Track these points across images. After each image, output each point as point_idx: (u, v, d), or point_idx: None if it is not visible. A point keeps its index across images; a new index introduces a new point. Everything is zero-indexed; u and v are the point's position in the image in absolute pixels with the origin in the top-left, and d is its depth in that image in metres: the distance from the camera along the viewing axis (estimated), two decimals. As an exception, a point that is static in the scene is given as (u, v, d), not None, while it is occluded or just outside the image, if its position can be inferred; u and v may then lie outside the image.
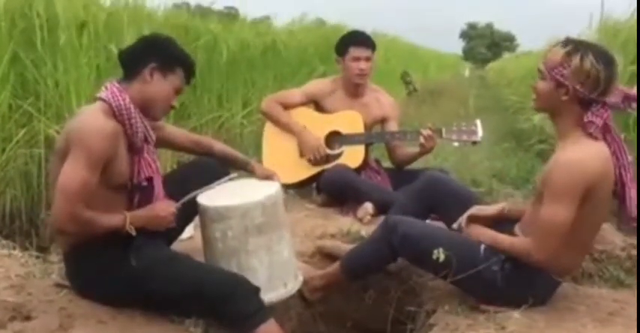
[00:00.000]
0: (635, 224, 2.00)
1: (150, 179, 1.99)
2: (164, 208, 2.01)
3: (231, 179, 2.18)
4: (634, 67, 3.73)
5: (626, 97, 1.90)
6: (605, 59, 1.86)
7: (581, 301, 2.14)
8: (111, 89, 1.94)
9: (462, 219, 2.18)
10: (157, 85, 1.97)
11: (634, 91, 1.91)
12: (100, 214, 1.88)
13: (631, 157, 1.95)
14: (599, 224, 2.02)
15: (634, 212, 1.95)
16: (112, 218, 1.90)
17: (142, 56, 1.96)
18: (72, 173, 1.82)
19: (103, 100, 1.93)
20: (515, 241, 2.02)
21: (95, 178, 1.85)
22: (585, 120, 1.88)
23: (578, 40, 1.92)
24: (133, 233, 1.90)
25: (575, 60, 1.86)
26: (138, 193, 2.01)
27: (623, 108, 1.91)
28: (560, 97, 1.90)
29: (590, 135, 1.89)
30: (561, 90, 1.89)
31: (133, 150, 1.97)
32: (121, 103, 1.91)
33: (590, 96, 1.87)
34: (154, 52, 1.97)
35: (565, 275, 2.09)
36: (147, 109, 2.00)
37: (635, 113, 1.96)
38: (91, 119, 1.88)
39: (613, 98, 1.89)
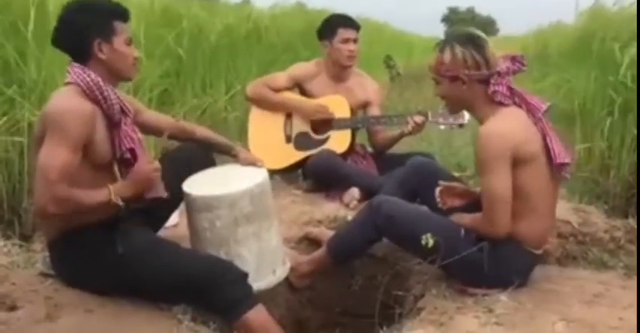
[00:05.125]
0: (565, 173, 2.06)
1: (132, 150, 1.96)
2: (145, 166, 1.97)
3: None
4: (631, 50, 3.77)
5: (514, 59, 2.04)
6: (471, 40, 2.02)
7: (566, 283, 2.17)
8: (74, 70, 1.91)
9: (436, 195, 2.24)
10: (111, 54, 1.93)
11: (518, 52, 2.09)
12: (83, 191, 1.85)
13: (545, 106, 2.04)
14: (546, 186, 2.04)
15: (560, 159, 2.01)
16: (96, 194, 1.87)
17: (81, 38, 1.91)
18: (50, 155, 1.79)
19: (72, 83, 1.90)
20: (475, 217, 2.09)
21: (76, 158, 1.83)
22: (490, 92, 2.00)
23: (444, 39, 2.09)
24: (120, 203, 1.88)
25: (447, 54, 2.02)
26: (122, 167, 1.99)
27: (517, 69, 2.03)
28: (460, 89, 2.03)
29: (501, 103, 2.00)
30: (457, 83, 2.03)
31: (112, 125, 1.95)
32: (88, 79, 1.88)
33: (481, 73, 1.99)
34: (88, 29, 1.91)
35: (539, 246, 2.10)
36: (116, 76, 1.99)
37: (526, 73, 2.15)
38: (64, 100, 1.86)
39: (504, 64, 2.01)
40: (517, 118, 2.01)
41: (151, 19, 4.35)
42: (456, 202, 2.25)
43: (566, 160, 2.02)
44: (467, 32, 2.07)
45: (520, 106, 2.03)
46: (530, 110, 2.02)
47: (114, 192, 1.88)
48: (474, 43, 2.01)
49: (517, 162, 1.95)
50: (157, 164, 2.01)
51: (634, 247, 2.48)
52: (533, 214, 2.02)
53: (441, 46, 2.05)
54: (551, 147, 2.01)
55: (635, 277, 2.24)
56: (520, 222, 2.01)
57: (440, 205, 2.23)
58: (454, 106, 2.15)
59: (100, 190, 1.88)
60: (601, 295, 2.07)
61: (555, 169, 2.03)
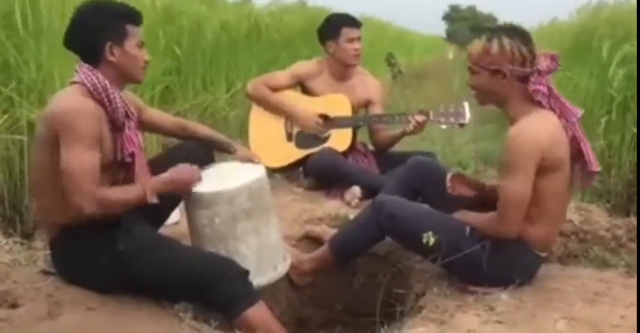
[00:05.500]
0: (594, 181, 2.05)
1: (133, 155, 1.96)
2: (190, 171, 2.00)
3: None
4: (628, 46, 3.77)
5: (552, 58, 1.98)
6: (518, 34, 1.97)
7: (567, 281, 2.17)
8: (82, 71, 1.91)
9: (447, 179, 2.24)
10: (122, 57, 1.94)
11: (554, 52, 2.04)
12: (116, 188, 1.88)
13: (580, 111, 2.01)
14: (564, 192, 2.04)
15: (594, 167, 2.00)
16: (129, 190, 1.89)
17: (93, 40, 1.91)
18: (74, 159, 1.80)
19: (78, 83, 1.90)
20: (483, 216, 2.07)
21: (96, 155, 1.84)
22: (531, 90, 1.95)
23: (488, 29, 2.02)
24: (155, 201, 1.89)
25: (495, 45, 1.95)
26: (122, 171, 1.99)
27: (554, 69, 1.98)
28: (499, 83, 1.98)
29: (539, 103, 1.96)
30: (497, 76, 1.97)
31: (115, 128, 1.95)
32: (95, 81, 1.89)
33: (525, 70, 1.95)
34: (100, 31, 1.91)
35: (545, 249, 2.11)
36: (126, 79, 1.99)
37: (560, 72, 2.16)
38: (71, 102, 1.86)
39: (544, 63, 1.96)
40: (550, 121, 1.96)
41: (152, 16, 4.34)
42: (464, 191, 2.25)
43: (598, 169, 2.00)
44: (514, 26, 2.00)
45: (554, 110, 1.98)
46: (564, 114, 1.98)
47: (149, 189, 1.88)
48: (523, 38, 1.96)
49: (543, 167, 1.93)
50: (200, 174, 2.03)
51: (635, 246, 2.47)
52: (546, 218, 2.02)
53: (487, 36, 1.98)
54: (586, 152, 1.99)
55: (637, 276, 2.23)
56: (532, 225, 2.00)
57: (449, 191, 2.23)
58: (485, 98, 2.07)
59: (132, 186, 1.90)
60: (602, 294, 2.06)
61: (587, 175, 2.02)
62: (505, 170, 1.96)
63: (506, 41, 1.95)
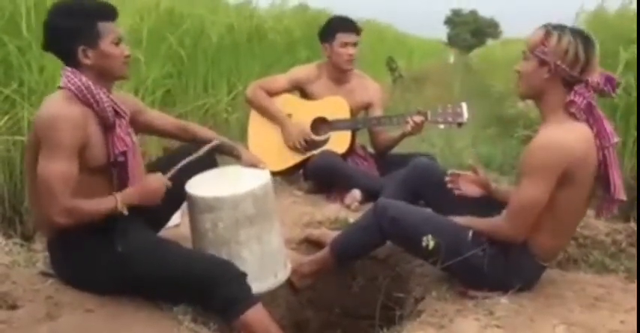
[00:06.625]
0: (614, 210, 2.03)
1: (124, 153, 1.95)
2: (156, 179, 1.98)
3: (212, 147, 2.14)
4: (628, 55, 3.76)
5: (609, 80, 1.93)
6: (583, 37, 1.92)
7: (567, 286, 2.16)
8: (65, 74, 1.90)
9: (449, 173, 2.26)
10: (98, 58, 1.89)
11: (615, 75, 1.96)
12: (89, 200, 1.85)
13: (617, 139, 1.97)
14: (581, 208, 2.03)
15: (618, 195, 1.97)
16: (102, 202, 1.87)
17: (65, 45, 1.88)
18: (49, 166, 1.79)
19: (63, 88, 1.89)
20: (490, 219, 2.06)
21: (74, 165, 1.83)
22: (567, 99, 1.91)
23: (558, 24, 1.97)
24: (125, 213, 1.87)
25: (554, 37, 1.91)
26: (115, 170, 1.97)
27: (607, 91, 1.93)
28: (543, 76, 1.93)
29: (573, 116, 1.92)
30: (544, 68, 1.93)
31: (107, 127, 1.93)
32: (79, 83, 1.87)
33: (571, 73, 1.90)
34: (71, 35, 1.87)
35: (549, 259, 2.11)
36: (108, 78, 1.96)
37: (617, 98, 2.00)
38: (54, 109, 1.85)
39: (596, 78, 1.91)
40: (581, 135, 1.92)
41: (154, 19, 4.35)
42: (472, 191, 2.25)
43: (623, 198, 1.98)
44: (584, 30, 1.95)
45: (591, 127, 1.94)
46: (600, 136, 1.94)
47: (120, 200, 1.88)
48: (586, 43, 1.90)
49: (565, 179, 1.90)
50: (168, 182, 2.01)
51: (635, 251, 2.47)
52: (557, 229, 2.01)
53: (552, 27, 1.94)
54: (612, 181, 1.96)
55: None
56: (541, 233, 1.99)
57: (455, 192, 2.24)
58: (525, 88, 2.00)
59: (106, 198, 1.88)
60: (602, 299, 2.06)
61: (610, 202, 2.00)
62: (526, 173, 1.93)
63: (566, 37, 1.90)
